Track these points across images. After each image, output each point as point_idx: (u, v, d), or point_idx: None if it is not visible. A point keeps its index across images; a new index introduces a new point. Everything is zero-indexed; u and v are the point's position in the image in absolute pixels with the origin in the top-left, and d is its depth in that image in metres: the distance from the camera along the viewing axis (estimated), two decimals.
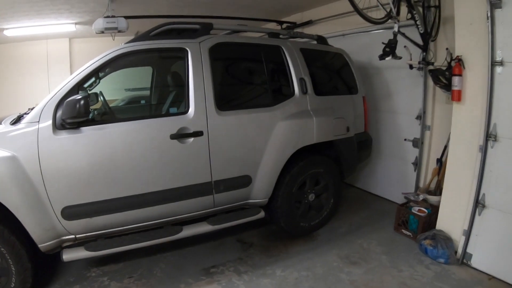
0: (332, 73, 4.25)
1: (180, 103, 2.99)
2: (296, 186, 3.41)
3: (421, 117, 4.02)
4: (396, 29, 3.19)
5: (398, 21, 3.18)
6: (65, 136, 2.40)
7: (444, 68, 3.20)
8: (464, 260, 3.03)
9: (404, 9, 3.29)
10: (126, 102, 4.99)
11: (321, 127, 3.44)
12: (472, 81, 2.98)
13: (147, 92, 4.54)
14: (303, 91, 3.43)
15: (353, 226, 3.87)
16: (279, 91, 3.50)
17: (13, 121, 2.47)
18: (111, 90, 3.44)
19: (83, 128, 2.45)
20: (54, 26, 5.83)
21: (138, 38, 2.87)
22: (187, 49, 2.89)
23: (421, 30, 3.41)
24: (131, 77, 5.00)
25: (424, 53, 3.63)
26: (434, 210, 3.48)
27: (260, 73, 3.43)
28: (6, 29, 5.74)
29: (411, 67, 3.74)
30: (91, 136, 2.48)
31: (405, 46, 3.51)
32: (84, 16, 5.38)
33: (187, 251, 3.35)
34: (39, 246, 2.45)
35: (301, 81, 3.44)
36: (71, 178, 2.43)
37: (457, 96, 3.05)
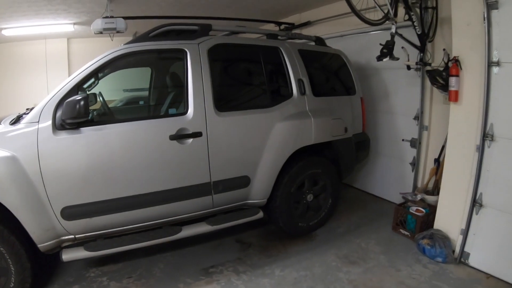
0: (330, 74, 4.27)
1: (179, 104, 3.00)
2: (295, 186, 3.42)
3: (418, 117, 4.04)
4: (393, 30, 3.21)
5: (396, 22, 3.20)
6: (64, 136, 2.41)
7: (441, 69, 3.22)
8: (462, 259, 3.05)
9: (401, 10, 3.30)
10: (124, 103, 5.00)
11: (319, 128, 3.46)
12: (469, 82, 3.00)
13: (145, 93, 4.55)
14: (301, 92, 3.45)
15: (352, 226, 3.88)
16: (278, 92, 3.52)
17: (12, 121, 2.48)
18: (109, 90, 3.45)
19: (83, 129, 2.46)
20: (52, 26, 5.83)
21: (137, 39, 2.88)
22: (186, 50, 2.90)
23: (419, 31, 3.42)
24: (129, 77, 5.00)
25: (422, 54, 3.64)
26: (432, 209, 3.50)
27: (258, 74, 3.44)
28: (4, 28, 5.74)
29: (408, 68, 3.76)
30: (90, 136, 2.49)
31: (402, 47, 3.53)
32: (82, 16, 5.39)
33: (186, 251, 3.36)
34: (39, 246, 2.45)
35: (299, 82, 3.46)
36: (70, 178, 2.44)
37: (454, 97, 3.07)
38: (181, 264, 3.14)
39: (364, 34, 4.59)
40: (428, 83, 3.65)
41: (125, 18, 4.50)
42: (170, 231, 2.86)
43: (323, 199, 3.73)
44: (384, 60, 3.28)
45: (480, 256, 2.94)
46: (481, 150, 2.87)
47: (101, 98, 3.15)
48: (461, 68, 3.03)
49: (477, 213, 2.94)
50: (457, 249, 3.07)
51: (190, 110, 2.82)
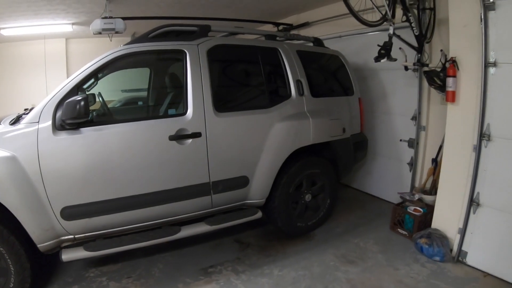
0: (328, 75, 4.29)
1: (179, 105, 3.01)
2: (293, 186, 3.44)
3: (416, 117, 4.06)
4: (391, 31, 3.24)
5: (393, 23, 3.22)
6: (64, 136, 2.41)
7: (438, 70, 3.25)
8: (459, 258, 3.07)
9: (399, 11, 3.32)
10: (122, 103, 5.00)
11: (317, 128, 3.47)
12: (466, 82, 3.03)
13: (144, 93, 4.56)
14: (300, 93, 3.47)
15: (350, 226, 3.90)
16: (276, 93, 3.53)
17: (12, 121, 2.48)
18: (107, 91, 3.45)
19: (83, 129, 2.47)
20: (51, 26, 5.82)
21: (137, 39, 2.89)
22: (186, 51, 2.92)
23: (416, 32, 3.45)
24: (127, 78, 5.01)
25: (419, 55, 3.67)
26: (429, 209, 3.52)
27: (257, 75, 3.46)
28: (3, 28, 5.73)
29: (406, 68, 3.79)
30: (90, 136, 2.49)
31: (400, 48, 3.55)
32: (81, 16, 5.39)
33: (185, 251, 3.36)
34: (38, 246, 2.46)
35: (297, 83, 3.47)
36: (70, 179, 2.45)
37: (451, 97, 3.09)
38: (180, 264, 3.15)
39: (362, 35, 4.62)
40: (425, 83, 3.68)
41: (124, 18, 4.51)
42: (170, 231, 2.87)
43: (321, 199, 3.75)
44: (382, 61, 3.30)
45: (478, 254, 2.97)
46: (478, 150, 2.89)
47: (100, 99, 3.15)
48: (458, 69, 3.05)
49: (474, 212, 2.97)
50: (455, 248, 3.10)
51: (190, 111, 2.83)
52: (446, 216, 3.26)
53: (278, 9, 5.60)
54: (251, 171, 3.17)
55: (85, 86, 2.63)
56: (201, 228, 3.00)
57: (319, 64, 4.11)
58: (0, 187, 2.25)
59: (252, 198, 3.26)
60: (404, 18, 3.36)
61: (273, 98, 3.39)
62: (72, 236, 2.58)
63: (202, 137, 2.85)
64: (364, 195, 4.95)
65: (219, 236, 3.61)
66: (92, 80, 2.67)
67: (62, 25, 5.84)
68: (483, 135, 2.86)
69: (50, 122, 2.39)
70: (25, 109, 3.21)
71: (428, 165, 4.03)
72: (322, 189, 3.72)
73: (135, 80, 4.91)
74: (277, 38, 3.81)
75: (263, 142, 3.18)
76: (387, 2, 3.09)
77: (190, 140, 2.81)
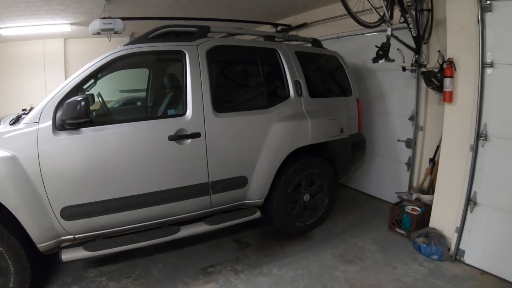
0: (327, 76, 4.31)
1: (178, 105, 3.02)
2: (292, 186, 3.46)
3: (414, 118, 4.09)
4: (389, 32, 3.25)
5: (391, 24, 3.23)
6: (64, 136, 2.42)
7: (436, 70, 3.27)
8: (457, 256, 3.10)
9: (397, 12, 3.34)
10: (121, 104, 5.00)
11: (315, 129, 3.49)
12: (463, 83, 3.06)
13: (142, 94, 4.56)
14: (298, 93, 3.49)
15: (348, 226, 3.92)
16: (275, 93, 3.55)
17: (12, 121, 2.49)
18: (105, 91, 3.45)
19: (83, 129, 2.47)
20: (50, 26, 5.81)
21: (137, 40, 2.90)
22: (185, 51, 2.93)
23: (414, 33, 3.46)
24: (126, 78, 5.01)
25: (417, 56, 3.69)
26: (427, 208, 3.55)
27: (256, 76, 3.47)
28: (2, 28, 5.71)
29: (404, 69, 3.80)
30: (91, 137, 2.50)
31: (398, 49, 3.57)
32: (80, 16, 5.39)
33: (184, 251, 3.37)
34: (38, 246, 2.46)
35: (296, 83, 3.49)
36: (70, 178, 2.45)
37: (448, 97, 3.12)
38: (180, 264, 3.16)
39: (360, 36, 4.64)
40: (423, 84, 3.70)
41: (123, 19, 4.51)
42: (169, 231, 2.88)
43: (319, 199, 3.77)
44: (380, 61, 3.32)
45: (475, 253, 3.00)
46: (475, 149, 2.92)
47: (100, 99, 3.16)
48: (455, 70, 3.08)
49: (471, 211, 2.99)
50: (452, 247, 3.13)
51: (189, 111, 2.85)
52: (443, 215, 3.28)
53: (277, 10, 5.61)
54: (250, 171, 3.18)
55: (85, 87, 2.64)
56: (201, 228, 3.01)
57: (317, 64, 4.13)
58: (0, 187, 2.25)
59: (251, 198, 3.27)
60: (402, 19, 3.37)
61: (272, 99, 3.41)
62: (71, 236, 2.58)
63: (201, 137, 2.86)
64: (362, 195, 4.97)
65: (218, 236, 3.62)
66: (92, 81, 2.67)
67: (60, 25, 5.83)
68: (480, 135, 2.89)
69: (50, 122, 2.39)
70: (23, 109, 3.22)
71: (425, 164, 4.05)
72: (321, 189, 3.74)
73: (133, 80, 4.91)
74: (276, 39, 3.82)
75: (262, 142, 3.19)
76: (385, 3, 3.10)
77: (189, 140, 2.82)
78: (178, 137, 2.77)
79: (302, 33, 5.73)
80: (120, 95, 5.33)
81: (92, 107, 2.94)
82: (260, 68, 3.38)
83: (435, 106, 3.83)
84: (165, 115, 3.05)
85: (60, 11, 4.96)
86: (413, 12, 3.49)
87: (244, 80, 3.62)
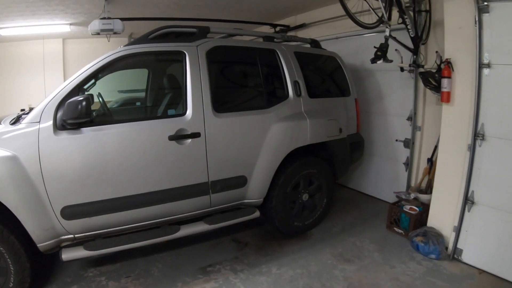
0: (325, 76, 4.33)
1: (178, 105, 3.03)
2: (290, 186, 3.47)
3: (412, 118, 4.11)
4: (387, 33, 3.27)
5: (390, 25, 3.25)
6: (65, 136, 2.43)
7: (434, 71, 3.30)
8: (455, 255, 3.12)
9: (395, 13, 3.36)
10: (119, 104, 4.99)
11: (314, 129, 3.51)
12: (460, 83, 3.08)
13: (141, 94, 4.56)
14: (297, 93, 3.50)
15: (346, 225, 3.94)
16: (274, 93, 3.56)
17: (12, 121, 2.49)
18: (104, 91, 3.45)
19: (84, 129, 2.48)
20: (48, 26, 5.80)
21: (137, 41, 2.91)
22: (185, 52, 2.94)
23: (412, 34, 3.49)
24: (124, 79, 5.01)
25: (415, 56, 3.71)
26: (425, 208, 3.57)
27: (255, 76, 3.49)
28: (1, 28, 5.70)
29: (402, 69, 3.83)
30: (91, 136, 2.51)
31: (396, 50, 3.60)
32: (79, 17, 5.39)
33: (183, 251, 3.38)
34: (38, 245, 2.46)
35: (295, 84, 3.51)
36: (71, 178, 2.46)
37: (446, 98, 3.15)
38: (179, 264, 3.17)
39: (359, 37, 4.66)
40: (421, 84, 3.72)
41: (122, 19, 4.52)
42: (169, 231, 2.89)
43: (318, 199, 3.78)
44: (378, 62, 3.33)
45: (473, 252, 3.02)
46: (472, 149, 2.95)
47: (100, 99, 3.17)
48: (453, 70, 3.10)
49: (469, 211, 3.02)
50: (450, 246, 3.15)
51: (189, 111, 2.86)
52: (441, 215, 3.30)
53: (275, 10, 5.63)
54: (249, 170, 3.20)
55: (85, 87, 2.64)
56: (200, 227, 3.02)
57: (316, 65, 4.15)
58: (0, 187, 2.26)
59: (250, 197, 3.29)
60: (400, 20, 3.40)
61: (271, 99, 3.43)
62: (72, 236, 2.58)
63: (201, 137, 2.87)
64: (360, 195, 4.99)
65: (217, 236, 3.64)
66: (93, 81, 2.68)
67: (59, 25, 5.83)
68: (477, 135, 2.92)
69: (51, 122, 2.40)
70: (21, 110, 3.22)
71: (423, 164, 4.08)
72: (319, 189, 3.76)
73: (132, 81, 4.91)
74: (275, 39, 3.84)
75: (261, 142, 3.21)
76: (384, 4, 3.12)
77: (189, 140, 2.83)
78: (178, 137, 2.79)
79: (300, 33, 5.75)
80: (119, 96, 5.32)
81: (92, 107, 2.95)
82: (259, 69, 3.40)
83: (433, 106, 3.86)
84: (165, 115, 3.06)
85: (59, 11, 4.97)
86: (411, 13, 3.52)
87: (243, 80, 3.64)
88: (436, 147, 3.75)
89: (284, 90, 3.48)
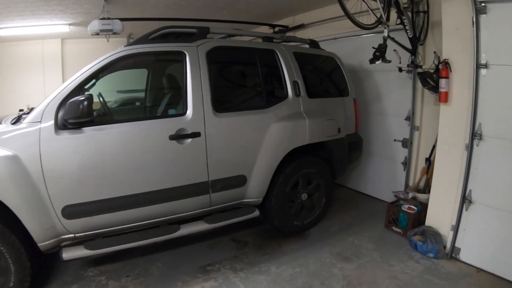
0: (324, 76, 4.35)
1: (178, 105, 3.04)
2: (289, 186, 3.49)
3: (410, 118, 4.14)
4: (386, 34, 3.30)
5: (388, 26, 3.27)
6: (66, 136, 2.44)
7: (432, 71, 3.33)
8: (452, 254, 3.14)
9: (393, 14, 3.38)
10: (119, 104, 4.99)
11: (313, 129, 3.53)
12: (458, 83, 3.11)
13: (141, 94, 4.56)
14: (296, 93, 3.52)
15: (345, 225, 3.96)
16: (273, 93, 3.58)
17: (13, 121, 2.50)
18: (102, 92, 3.46)
19: (85, 129, 2.49)
20: (47, 26, 5.81)
21: (138, 41, 2.92)
22: (185, 52, 2.95)
23: (410, 34, 3.52)
24: (123, 79, 5.01)
25: (413, 57, 3.75)
26: (423, 207, 3.60)
27: (255, 76, 3.50)
28: (0, 28, 5.71)
29: (400, 70, 3.86)
30: (92, 136, 2.52)
31: (394, 50, 3.62)
32: (78, 17, 5.40)
33: (183, 250, 3.39)
34: (39, 245, 2.47)
35: (294, 84, 3.53)
36: (71, 178, 2.47)
37: (444, 98, 3.17)
38: (178, 263, 3.17)
39: (357, 37, 4.68)
40: (419, 84, 3.75)
41: (121, 19, 4.53)
42: (169, 230, 2.91)
43: (317, 198, 3.80)
44: (377, 62, 3.36)
45: (470, 251, 3.04)
46: (470, 148, 2.97)
47: (101, 99, 3.18)
48: (450, 70, 3.13)
49: (466, 210, 3.04)
50: (448, 245, 3.17)
51: (189, 111, 2.87)
52: (439, 214, 3.33)
53: (274, 11, 5.65)
54: (249, 170, 3.21)
55: (86, 87, 2.65)
56: (200, 226, 3.04)
57: (315, 65, 4.17)
58: (1, 186, 2.26)
59: (249, 197, 3.30)
60: (399, 21, 3.42)
61: (270, 99, 3.44)
62: (72, 235, 2.59)
63: (201, 137, 2.89)
64: (359, 194, 5.01)
65: (216, 235, 3.65)
66: (94, 81, 2.69)
67: (58, 25, 5.83)
68: (474, 135, 2.94)
69: (52, 122, 2.40)
70: (20, 110, 3.22)
71: (421, 164, 4.10)
72: (318, 189, 3.78)
73: (130, 81, 4.91)
74: (274, 40, 3.85)
75: (260, 141, 3.23)
76: (382, 5, 3.14)
77: (189, 140, 2.85)
78: (179, 136, 2.80)
79: (299, 34, 5.75)
80: (117, 96, 5.32)
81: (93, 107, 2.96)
82: (259, 69, 3.41)
83: (431, 106, 3.89)
84: (166, 115, 3.08)
85: (58, 11, 4.97)
86: (409, 14, 3.55)
87: (243, 80, 3.66)
88: (434, 147, 3.77)
89: (283, 90, 3.50)
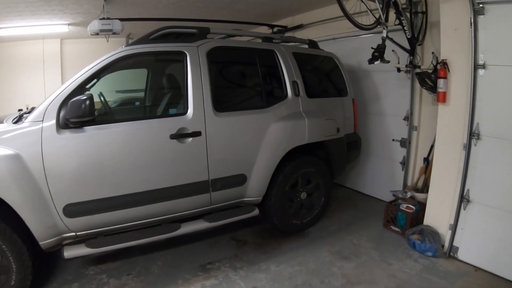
0: (323, 76, 4.37)
1: (178, 105, 3.06)
2: (289, 185, 3.51)
3: (408, 118, 4.16)
4: (384, 34, 3.32)
5: (387, 26, 3.30)
6: (68, 135, 2.45)
7: (430, 71, 3.34)
8: (451, 253, 3.17)
9: (392, 15, 3.41)
10: (118, 104, 5.00)
11: (312, 128, 3.56)
12: (456, 83, 3.13)
13: (141, 94, 4.57)
14: (296, 93, 3.54)
15: (343, 224, 3.98)
16: (273, 93, 3.61)
17: (15, 120, 2.51)
18: (102, 91, 3.47)
19: (86, 128, 2.50)
20: (47, 26, 5.80)
21: (138, 41, 2.94)
22: (186, 52, 2.97)
23: (409, 35, 3.54)
24: (122, 79, 5.02)
25: (411, 57, 3.77)
26: (421, 207, 3.62)
27: (254, 76, 3.52)
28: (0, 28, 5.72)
29: (399, 70, 3.88)
30: (94, 135, 2.53)
31: (393, 50, 3.65)
32: (77, 17, 5.40)
33: (183, 249, 3.41)
34: (40, 243, 2.48)
35: (293, 84, 3.55)
36: (73, 176, 2.48)
37: (442, 98, 3.20)
38: (179, 262, 3.19)
39: (356, 37, 4.70)
40: (417, 85, 3.77)
41: (121, 19, 4.54)
42: (169, 228, 2.93)
43: (316, 198, 3.83)
44: (375, 63, 3.38)
45: (468, 250, 3.07)
46: (468, 148, 3.00)
47: (102, 99, 3.19)
48: (449, 71, 3.15)
49: (464, 209, 3.07)
50: (446, 244, 3.20)
51: (190, 111, 2.89)
52: (437, 213, 3.35)
53: (273, 11, 5.66)
54: (249, 169, 3.23)
55: (87, 86, 2.66)
56: (200, 225, 3.06)
57: (314, 65, 4.19)
58: (3, 185, 2.27)
59: (249, 196, 3.32)
60: (397, 21, 3.45)
61: (270, 99, 3.47)
62: (73, 234, 2.60)
63: (201, 136, 2.91)
64: (357, 194, 5.03)
65: (216, 234, 3.66)
66: (95, 80, 2.71)
67: (58, 25, 5.83)
68: (472, 134, 2.97)
69: (54, 121, 2.42)
70: (19, 110, 3.23)
71: (420, 164, 4.13)
72: (317, 188, 3.80)
73: (130, 81, 4.92)
74: (274, 40, 3.87)
75: (260, 141, 3.25)
76: (381, 6, 3.16)
77: (190, 139, 2.87)
78: (179, 135, 2.82)
79: (298, 34, 5.75)
80: (116, 96, 5.32)
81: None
82: (258, 69, 3.43)
83: (429, 106, 3.91)
84: (167, 114, 3.09)
85: (58, 11, 4.98)
86: (408, 15, 3.57)
87: (243, 80, 3.68)
88: (432, 147, 3.80)
89: (283, 90, 3.53)
